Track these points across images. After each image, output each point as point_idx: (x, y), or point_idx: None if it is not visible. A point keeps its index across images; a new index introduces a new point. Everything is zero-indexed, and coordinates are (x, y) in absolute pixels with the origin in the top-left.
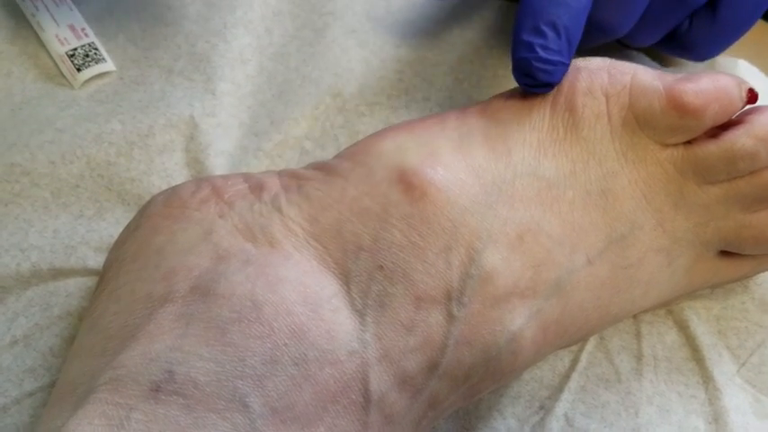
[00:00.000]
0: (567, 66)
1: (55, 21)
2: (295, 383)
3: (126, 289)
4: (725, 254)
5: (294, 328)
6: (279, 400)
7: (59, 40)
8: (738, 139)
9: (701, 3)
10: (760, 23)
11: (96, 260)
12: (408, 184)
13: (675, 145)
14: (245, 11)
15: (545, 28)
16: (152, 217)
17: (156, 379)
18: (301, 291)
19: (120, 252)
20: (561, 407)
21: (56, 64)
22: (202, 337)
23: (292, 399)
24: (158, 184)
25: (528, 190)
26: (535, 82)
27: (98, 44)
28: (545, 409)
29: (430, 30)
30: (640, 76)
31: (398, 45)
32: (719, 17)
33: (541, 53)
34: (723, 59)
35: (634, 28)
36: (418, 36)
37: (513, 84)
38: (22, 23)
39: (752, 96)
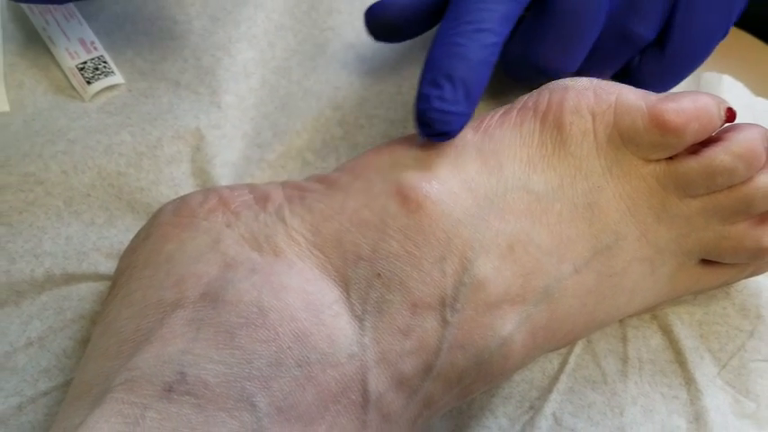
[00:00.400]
0: (466, 115)
1: (65, 35)
2: (298, 384)
3: (138, 295)
4: (706, 262)
5: (297, 332)
6: (284, 400)
7: (70, 53)
8: (717, 155)
9: (648, 40)
10: (745, 38)
11: (107, 266)
12: (405, 197)
13: (658, 161)
14: (248, 26)
15: (442, 80)
16: (162, 226)
17: (169, 380)
18: (304, 297)
19: (131, 259)
20: (550, 407)
21: (66, 77)
22: (212, 341)
23: (296, 398)
24: (166, 193)
25: (518, 203)
26: (433, 131)
27: (107, 58)
28: (535, 408)
29: (427, 45)
30: (625, 96)
31: (397, 60)
32: (668, 53)
33: (437, 104)
34: (708, 75)
35: (584, 65)
36: (416, 50)
37: (506, 100)
38: (33, 37)
39: (730, 115)
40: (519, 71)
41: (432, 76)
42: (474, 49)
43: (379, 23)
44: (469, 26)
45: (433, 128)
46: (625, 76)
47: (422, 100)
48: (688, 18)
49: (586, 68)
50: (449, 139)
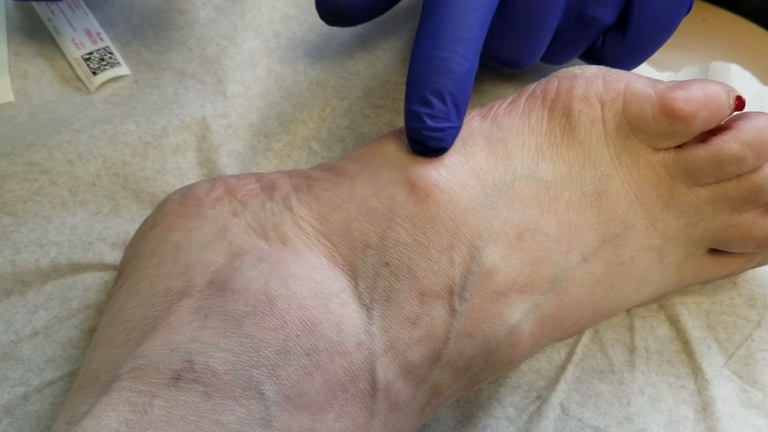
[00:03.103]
0: (457, 128)
1: (71, 25)
2: (306, 372)
3: (145, 283)
4: (714, 252)
5: (305, 320)
6: (291, 388)
7: (75, 44)
8: (726, 143)
9: (608, 24)
10: (752, 28)
11: (113, 255)
12: (413, 185)
13: (667, 149)
14: (254, 15)
15: (431, 97)
16: (168, 215)
17: (177, 368)
18: (312, 286)
19: (137, 248)
20: (557, 396)
21: (72, 67)
22: (220, 329)
23: (304, 387)
24: (172, 182)
25: (526, 191)
26: (428, 149)
27: (113, 48)
28: (542, 398)
29: None
30: (633, 84)
31: (402, 49)
32: (629, 36)
33: (429, 122)
34: (716, 64)
35: (548, 52)
36: None
37: (513, 89)
38: (38, 27)
39: (739, 103)
40: (483, 61)
41: (419, 94)
42: (457, 62)
43: (329, 9)
44: (449, 37)
45: (429, 146)
46: (588, 58)
47: (413, 119)
48: (647, 0)
49: (549, 54)
50: (442, 154)
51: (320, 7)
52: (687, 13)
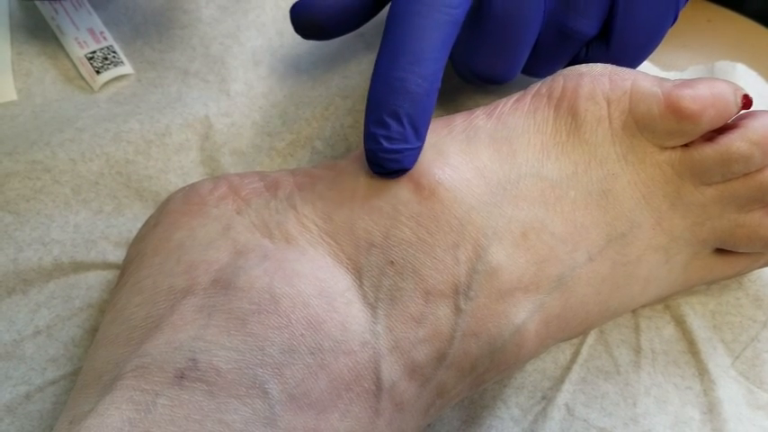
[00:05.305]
0: (416, 148)
1: (74, 24)
2: (311, 372)
3: (148, 282)
4: (720, 251)
5: (310, 319)
6: (296, 388)
7: (79, 43)
8: (733, 142)
9: (590, 36)
10: (757, 28)
11: (115, 254)
12: (417, 183)
13: (673, 148)
14: (257, 14)
15: (387, 119)
16: (171, 213)
17: (181, 366)
18: (317, 284)
19: (140, 246)
20: (562, 397)
21: (75, 66)
22: (224, 328)
23: (309, 386)
24: (175, 181)
25: (532, 190)
26: (385, 170)
27: (116, 48)
28: (547, 399)
29: None
30: (640, 82)
31: None
32: (613, 47)
33: (386, 144)
34: (721, 63)
35: (530, 66)
36: None
37: (516, 88)
38: (42, 25)
39: (746, 102)
40: (464, 77)
41: (376, 115)
42: (415, 82)
43: (303, 23)
44: (407, 57)
45: (386, 167)
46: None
47: (370, 140)
48: (630, 10)
49: (531, 68)
50: (402, 175)
51: (295, 22)
52: (673, 23)
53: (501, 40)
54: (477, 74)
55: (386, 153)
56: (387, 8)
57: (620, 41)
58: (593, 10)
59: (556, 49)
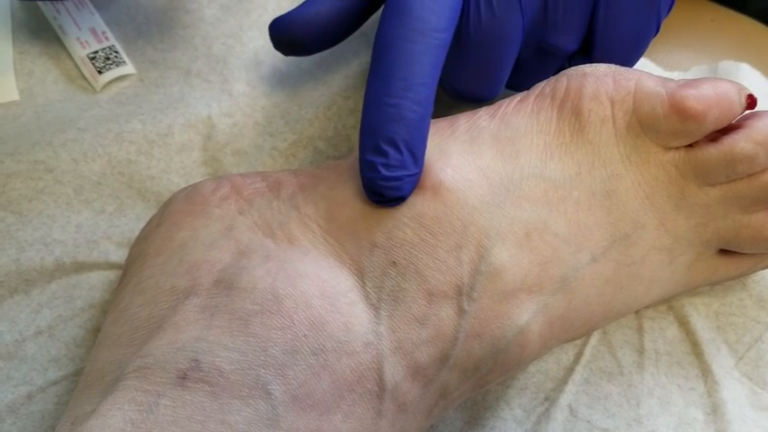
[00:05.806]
0: (415, 174)
1: (76, 24)
2: (314, 372)
3: (150, 282)
4: (724, 252)
5: (313, 320)
6: (299, 388)
7: (81, 43)
8: (738, 142)
9: (570, 51)
10: (760, 28)
11: (118, 254)
12: (420, 184)
13: (677, 148)
14: (259, 13)
15: (385, 147)
16: (174, 213)
17: (183, 367)
18: (319, 285)
19: (143, 247)
20: (566, 398)
21: (77, 66)
22: (226, 328)
23: (311, 387)
24: (177, 181)
25: (535, 191)
26: (384, 199)
27: (118, 47)
28: (550, 400)
29: None
30: (644, 82)
31: None
32: (595, 60)
33: (384, 172)
34: (725, 63)
35: (513, 82)
36: None
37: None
38: (44, 25)
39: (751, 102)
40: (448, 94)
41: (373, 143)
42: (410, 108)
43: (282, 41)
44: (400, 83)
45: (385, 196)
46: None
47: (368, 169)
48: (610, 25)
49: (514, 84)
50: (401, 203)
51: (274, 39)
52: (656, 33)
53: (482, 61)
54: (460, 94)
55: (384, 181)
56: (368, 20)
57: (602, 55)
58: (572, 26)
59: (538, 66)
